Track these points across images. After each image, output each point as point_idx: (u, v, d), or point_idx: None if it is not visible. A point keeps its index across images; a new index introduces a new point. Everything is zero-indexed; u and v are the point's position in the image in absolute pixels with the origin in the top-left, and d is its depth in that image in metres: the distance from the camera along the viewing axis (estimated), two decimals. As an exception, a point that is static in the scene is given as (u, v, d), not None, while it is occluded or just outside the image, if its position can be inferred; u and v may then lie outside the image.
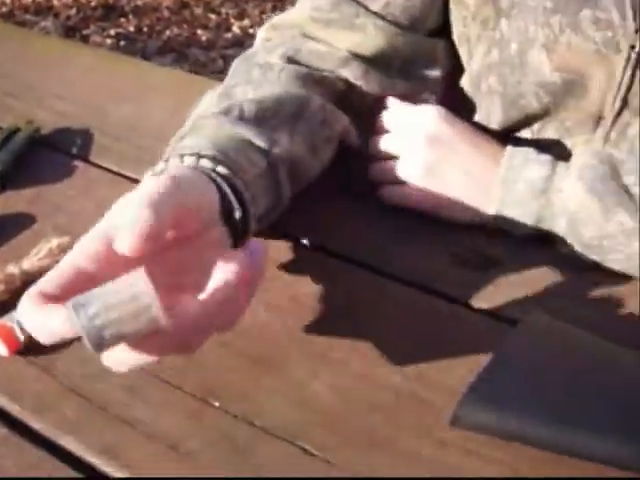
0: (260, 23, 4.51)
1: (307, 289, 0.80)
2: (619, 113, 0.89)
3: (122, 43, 4.34)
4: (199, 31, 4.49)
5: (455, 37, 1.01)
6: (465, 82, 1.01)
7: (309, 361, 0.71)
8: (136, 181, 0.97)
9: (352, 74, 0.95)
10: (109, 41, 4.33)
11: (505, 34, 0.93)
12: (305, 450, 0.63)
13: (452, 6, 0.99)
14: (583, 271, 0.82)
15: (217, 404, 0.67)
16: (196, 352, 0.69)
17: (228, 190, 0.71)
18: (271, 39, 1.00)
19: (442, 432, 0.64)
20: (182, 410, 0.67)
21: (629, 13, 0.85)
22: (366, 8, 0.96)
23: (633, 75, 0.87)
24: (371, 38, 0.96)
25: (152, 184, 0.62)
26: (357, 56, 0.96)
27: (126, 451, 0.63)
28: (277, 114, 0.84)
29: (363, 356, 0.72)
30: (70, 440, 0.65)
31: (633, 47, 0.86)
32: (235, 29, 4.52)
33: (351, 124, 0.94)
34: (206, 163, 0.72)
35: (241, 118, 0.81)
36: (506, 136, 0.94)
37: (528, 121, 0.96)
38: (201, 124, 0.80)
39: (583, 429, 0.62)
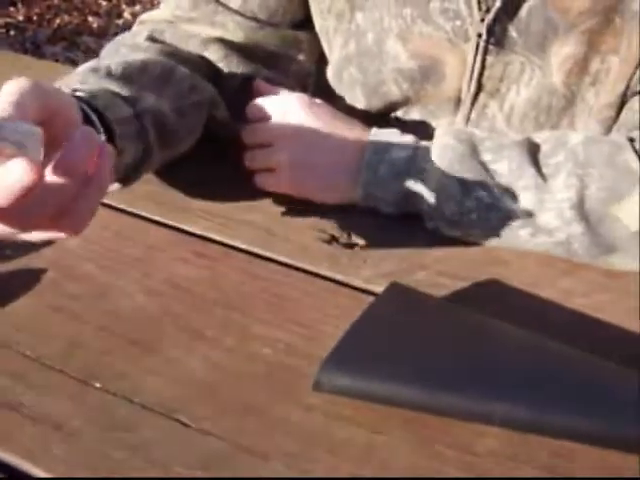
0: (151, 9, 4.48)
1: (182, 272, 0.84)
2: (476, 96, 0.95)
3: (12, 32, 4.27)
4: (90, 18, 4.45)
5: (317, 30, 1.05)
6: (329, 73, 1.05)
7: (184, 340, 0.76)
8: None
9: (213, 56, 0.99)
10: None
11: (361, 25, 0.98)
12: (182, 422, 0.67)
13: (310, 0, 1.03)
14: (446, 245, 0.88)
15: (98, 385, 0.71)
16: (77, 336, 0.74)
17: (94, 117, 0.75)
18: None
19: (310, 398, 0.69)
20: (65, 392, 0.70)
21: (474, 3, 0.90)
22: (225, 6, 1.00)
23: (484, 61, 0.93)
24: (231, 34, 1.00)
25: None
26: (218, 41, 1.00)
27: (13, 434, 0.67)
28: (143, 75, 0.88)
29: (235, 333, 0.76)
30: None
31: (480, 35, 0.91)
32: (127, 15, 4.48)
33: (219, 97, 0.97)
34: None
35: (108, 75, 0.85)
36: (372, 120, 0.98)
37: (391, 107, 1.01)
38: (68, 78, 0.83)
39: (439, 386, 0.68)
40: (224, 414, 0.69)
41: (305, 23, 1.04)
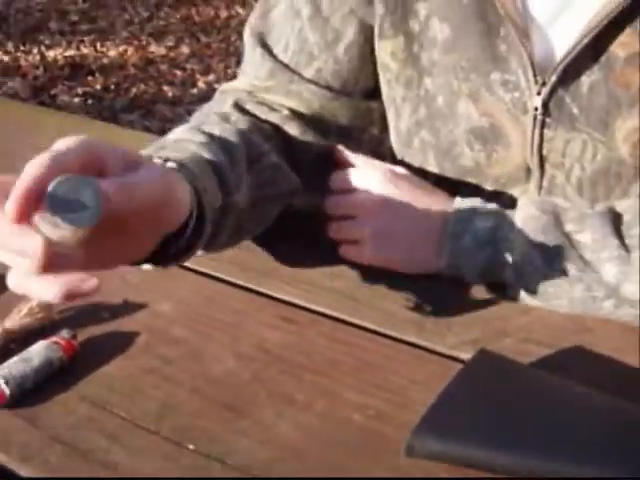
0: (225, 78, 4.59)
1: (270, 337, 0.86)
2: (542, 166, 0.96)
3: (90, 101, 4.38)
4: (165, 87, 4.55)
5: (384, 99, 1.06)
6: (394, 142, 1.07)
7: (275, 404, 0.77)
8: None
9: (292, 132, 1.01)
10: (77, 100, 4.38)
11: (430, 90, 0.99)
12: (272, 484, 0.69)
13: (379, 70, 1.05)
14: (530, 312, 0.88)
15: (191, 446, 0.72)
16: (170, 399, 0.76)
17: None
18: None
19: (400, 463, 0.70)
20: (159, 453, 0.72)
21: (531, 76, 0.91)
22: (300, 75, 1.02)
23: (542, 134, 0.93)
24: (306, 103, 1.02)
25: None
26: (296, 116, 1.02)
27: (108, 493, 0.69)
28: (234, 156, 0.89)
29: (324, 398, 0.78)
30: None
31: (536, 108, 0.92)
32: (201, 84, 4.58)
33: (300, 185, 0.99)
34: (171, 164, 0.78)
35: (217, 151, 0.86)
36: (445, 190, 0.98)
37: (463, 172, 1.01)
38: (164, 144, 0.86)
39: (529, 452, 0.68)
40: (315, 478, 0.69)
41: (375, 92, 1.06)
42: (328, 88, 1.03)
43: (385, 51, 1.02)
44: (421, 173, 1.02)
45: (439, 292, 0.92)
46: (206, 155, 0.84)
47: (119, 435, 0.74)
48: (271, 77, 1.03)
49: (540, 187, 0.97)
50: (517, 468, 0.68)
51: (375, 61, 1.04)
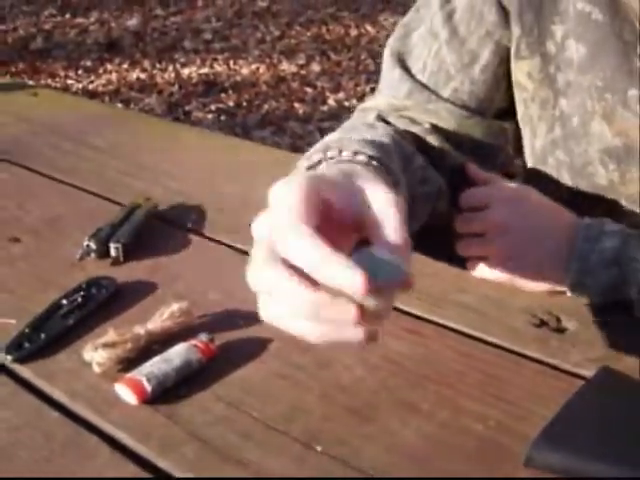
0: (355, 96, 4.64)
1: (397, 348, 0.89)
2: None
3: (222, 117, 4.49)
4: (296, 104, 4.63)
5: (519, 118, 1.09)
6: (529, 160, 1.09)
7: (400, 412, 0.80)
8: (246, 253, 1.07)
9: (433, 143, 1.04)
10: (210, 116, 4.49)
11: (565, 110, 1.01)
12: (396, 488, 0.72)
13: (514, 90, 1.07)
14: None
15: (319, 448, 0.76)
16: (300, 402, 0.79)
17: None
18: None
19: (519, 474, 0.72)
20: (288, 453, 0.76)
21: None
22: (437, 95, 1.06)
23: None
24: (443, 121, 1.05)
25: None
26: (435, 130, 1.05)
27: (240, 488, 0.73)
28: (392, 156, 0.91)
29: (448, 408, 0.80)
30: (191, 478, 0.74)
31: None
32: (331, 102, 4.65)
33: (445, 186, 1.02)
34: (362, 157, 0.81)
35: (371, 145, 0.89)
36: (577, 210, 0.99)
37: (597, 192, 1.03)
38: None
39: None
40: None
41: (508, 112, 1.09)
42: (464, 107, 1.06)
43: (521, 71, 1.04)
44: (555, 192, 1.04)
45: (565, 309, 0.93)
46: (370, 152, 0.85)
47: (251, 434, 0.78)
48: (409, 96, 1.06)
49: None
50: None
51: (509, 81, 1.06)
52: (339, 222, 0.68)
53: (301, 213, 0.64)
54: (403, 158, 0.95)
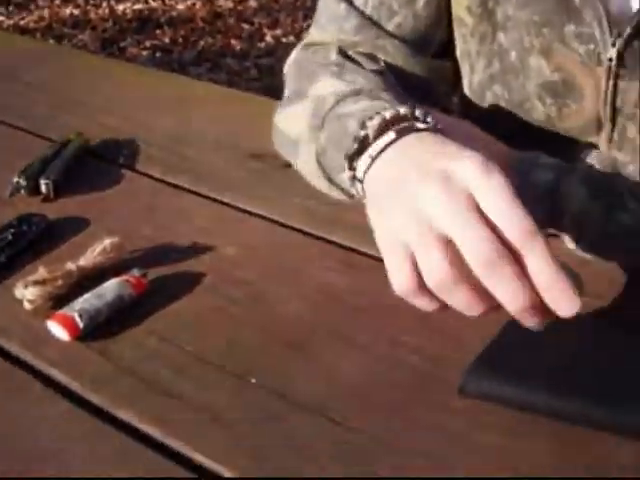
0: (292, 32, 4.60)
1: (333, 281, 0.88)
2: (614, 118, 0.97)
3: (158, 54, 4.43)
4: (233, 41, 4.57)
5: (458, 54, 1.08)
6: (468, 95, 1.08)
7: (336, 345, 0.80)
8: (178, 187, 1.06)
9: (388, 81, 1.01)
10: (145, 53, 4.43)
11: (504, 44, 1.00)
12: (331, 419, 0.72)
13: (454, 25, 1.06)
14: (587, 265, 0.90)
15: (254, 381, 0.76)
16: (236, 336, 0.79)
17: None
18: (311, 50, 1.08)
19: (454, 403, 0.73)
20: (223, 386, 0.75)
21: (606, 28, 0.92)
22: (384, 29, 1.04)
23: (616, 85, 0.94)
24: (391, 57, 1.04)
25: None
26: (388, 68, 1.03)
27: (174, 421, 0.72)
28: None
29: (384, 341, 0.80)
30: (124, 412, 0.73)
31: (611, 59, 0.93)
32: (268, 38, 4.60)
33: None
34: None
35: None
36: (514, 144, 1.00)
37: (534, 128, 1.03)
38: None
39: (580, 396, 0.70)
40: (371, 414, 0.72)
41: (448, 49, 1.08)
42: (407, 43, 1.04)
43: (461, 6, 1.03)
44: (492, 127, 1.04)
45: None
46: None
47: (185, 368, 0.77)
48: (358, 32, 1.04)
49: (610, 140, 0.98)
50: (569, 413, 0.70)
51: (450, 17, 1.06)
52: None
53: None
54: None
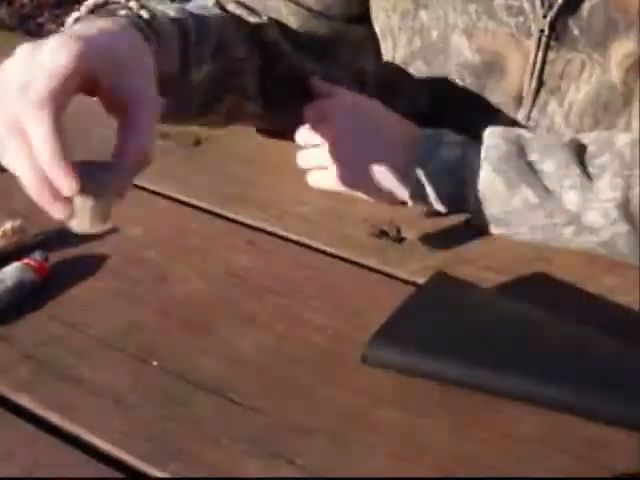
0: None
1: (237, 261, 0.88)
2: (537, 93, 0.98)
3: (77, 30, 4.33)
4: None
5: (378, 28, 1.08)
6: (391, 69, 1.08)
7: (237, 324, 0.80)
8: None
9: (269, 38, 1.03)
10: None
11: (425, 23, 1.01)
12: (233, 400, 0.72)
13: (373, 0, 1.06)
14: (492, 241, 0.91)
15: (155, 363, 0.75)
16: (138, 318, 0.78)
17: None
18: None
19: (356, 381, 0.73)
20: (124, 369, 0.75)
21: (537, 0, 0.93)
22: None
23: (545, 57, 0.96)
24: (284, 18, 1.04)
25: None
26: (274, 24, 1.04)
27: (75, 406, 0.71)
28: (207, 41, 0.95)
29: (286, 319, 0.80)
30: (26, 398, 0.72)
31: (542, 31, 0.94)
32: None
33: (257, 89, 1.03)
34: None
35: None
36: (435, 119, 1.00)
37: (454, 105, 1.04)
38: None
39: (480, 363, 0.72)
40: (272, 394, 0.72)
41: (361, 19, 1.08)
42: (308, 9, 1.04)
43: None
44: (412, 102, 1.04)
45: (403, 220, 0.94)
46: (172, 14, 0.89)
47: (87, 352, 0.77)
48: None
49: (528, 118, 0.99)
50: (467, 380, 0.71)
51: None
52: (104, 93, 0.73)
53: (57, 88, 0.67)
54: (219, 43, 0.95)
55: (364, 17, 1.08)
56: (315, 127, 0.97)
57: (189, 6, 0.98)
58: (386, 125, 0.95)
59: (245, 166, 1.04)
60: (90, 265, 0.87)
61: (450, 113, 1.03)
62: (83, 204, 0.70)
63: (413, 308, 0.77)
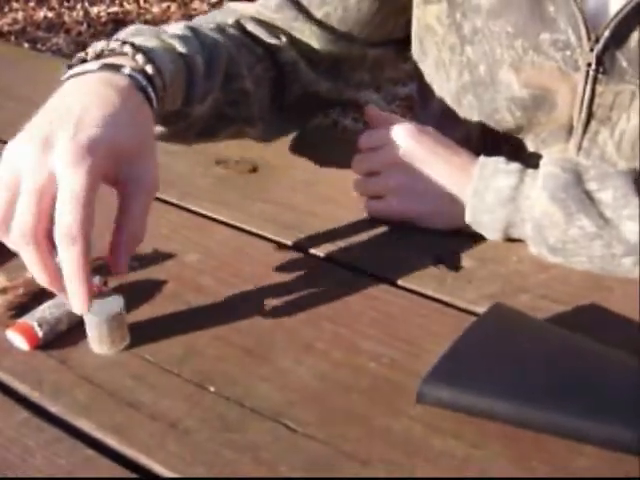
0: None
1: (294, 289, 0.88)
2: (587, 123, 0.97)
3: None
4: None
5: (432, 60, 1.09)
6: (446, 100, 1.09)
7: (294, 351, 0.80)
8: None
9: (285, 59, 1.07)
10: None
11: (472, 58, 1.01)
12: (289, 427, 0.72)
13: (423, 33, 1.07)
14: (549, 269, 0.90)
15: (212, 389, 0.76)
16: (195, 344, 0.79)
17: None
18: None
19: (411, 410, 0.73)
20: (181, 394, 0.75)
21: (583, 34, 0.93)
22: (308, 14, 1.07)
23: (593, 89, 0.95)
24: (306, 39, 1.07)
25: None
26: (292, 45, 1.07)
27: (132, 430, 0.72)
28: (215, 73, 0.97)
29: (343, 347, 0.80)
30: (83, 421, 0.73)
31: (590, 64, 0.94)
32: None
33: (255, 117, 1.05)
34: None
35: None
36: (487, 151, 0.99)
37: (505, 134, 1.04)
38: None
39: (536, 403, 0.70)
40: (329, 421, 0.72)
41: (384, 43, 1.11)
42: (332, 31, 1.07)
43: (431, 14, 1.04)
44: (465, 134, 1.05)
45: (461, 248, 0.94)
46: (181, 49, 0.90)
47: (144, 376, 0.77)
48: (279, 10, 1.08)
49: (579, 147, 0.99)
50: (526, 420, 0.70)
51: (408, 16, 1.08)
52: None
53: (87, 214, 0.71)
54: (227, 76, 0.99)
55: (388, 41, 1.11)
56: (371, 155, 0.98)
57: (203, 26, 1.01)
58: (442, 153, 0.95)
59: (301, 194, 1.04)
60: (148, 290, 0.88)
61: (502, 146, 1.03)
62: (99, 330, 0.79)
63: (469, 343, 0.76)
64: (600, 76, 0.94)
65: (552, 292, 0.87)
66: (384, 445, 0.70)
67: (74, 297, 0.73)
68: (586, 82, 0.95)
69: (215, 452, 0.70)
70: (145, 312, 0.85)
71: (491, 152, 0.95)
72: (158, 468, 0.69)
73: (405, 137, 0.95)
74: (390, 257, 0.93)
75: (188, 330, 0.83)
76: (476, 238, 0.94)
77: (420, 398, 0.72)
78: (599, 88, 0.95)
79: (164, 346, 0.81)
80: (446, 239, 0.95)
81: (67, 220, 0.70)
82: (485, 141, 1.04)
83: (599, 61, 0.94)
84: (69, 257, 0.71)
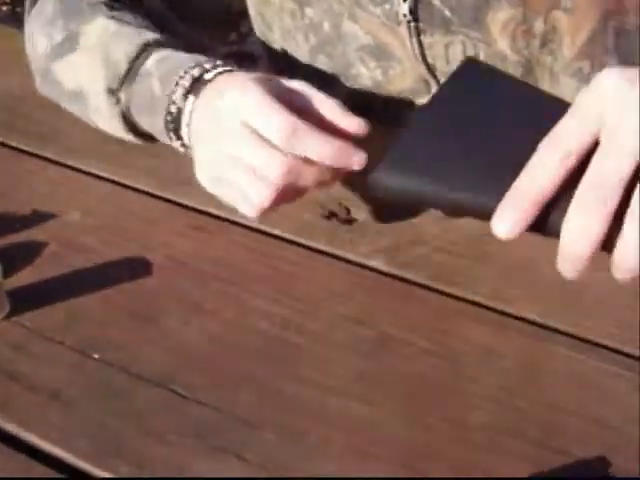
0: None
1: (180, 246, 0.85)
2: (433, 76, 0.95)
3: (4, 8, 4.26)
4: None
5: (278, 33, 1.05)
6: (300, 68, 1.05)
7: (182, 312, 0.77)
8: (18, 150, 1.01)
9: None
10: (4, 8, 4.26)
11: (314, 18, 0.99)
12: (178, 393, 0.69)
13: (262, 7, 1.05)
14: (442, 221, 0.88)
15: (96, 355, 0.72)
16: (78, 309, 0.75)
17: None
18: None
19: (303, 371, 0.71)
20: (63, 363, 0.72)
21: None
22: None
23: (420, 42, 0.93)
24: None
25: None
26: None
27: (12, 402, 0.69)
28: None
29: (232, 306, 0.78)
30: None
31: (405, 15, 0.91)
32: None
33: None
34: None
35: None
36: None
37: (365, 92, 1.01)
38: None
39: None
40: (219, 385, 0.70)
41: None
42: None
43: None
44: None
45: (354, 201, 0.92)
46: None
47: (24, 345, 0.74)
48: None
49: None
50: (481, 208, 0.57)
51: None
52: None
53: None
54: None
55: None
56: None
57: (116, 16, 0.94)
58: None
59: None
60: (29, 253, 0.84)
61: (363, 104, 1.00)
62: None
63: (419, 129, 0.61)
64: (422, 26, 0.91)
65: (447, 244, 0.86)
66: (276, 408, 0.68)
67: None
68: (410, 35, 0.92)
69: (100, 422, 0.67)
70: (25, 277, 0.81)
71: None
72: (39, 442, 0.65)
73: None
74: (278, 212, 0.91)
75: (71, 294, 0.79)
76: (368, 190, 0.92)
77: (373, 187, 0.61)
78: (426, 40, 0.92)
79: (46, 312, 0.77)
80: (339, 192, 0.93)
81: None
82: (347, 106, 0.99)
83: (414, 11, 0.91)
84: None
